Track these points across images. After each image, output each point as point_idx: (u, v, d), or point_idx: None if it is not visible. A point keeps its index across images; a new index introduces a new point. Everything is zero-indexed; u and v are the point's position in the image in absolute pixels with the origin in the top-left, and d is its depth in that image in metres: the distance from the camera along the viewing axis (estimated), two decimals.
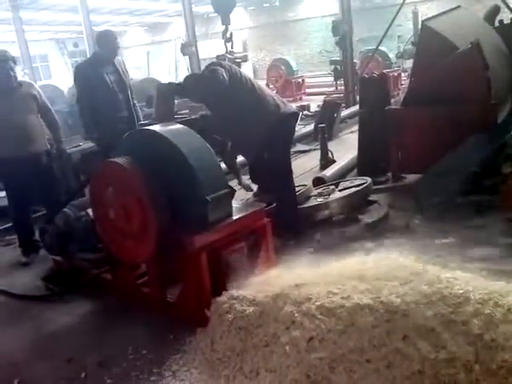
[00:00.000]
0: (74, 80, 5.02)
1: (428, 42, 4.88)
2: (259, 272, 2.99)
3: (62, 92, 11.75)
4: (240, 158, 4.94)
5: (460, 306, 2.08)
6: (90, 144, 5.46)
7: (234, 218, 3.07)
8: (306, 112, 11.02)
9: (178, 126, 3.17)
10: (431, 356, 1.93)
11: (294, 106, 4.44)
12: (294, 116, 4.28)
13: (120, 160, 2.95)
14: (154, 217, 2.83)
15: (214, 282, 2.90)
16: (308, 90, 16.37)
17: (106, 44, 4.77)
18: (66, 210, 4.08)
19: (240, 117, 3.93)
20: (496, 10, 6.67)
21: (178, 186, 2.90)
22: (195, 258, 2.84)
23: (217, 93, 3.80)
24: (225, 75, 3.66)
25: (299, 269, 2.89)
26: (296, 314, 2.36)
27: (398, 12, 9.39)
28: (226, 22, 6.09)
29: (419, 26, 6.30)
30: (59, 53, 27.17)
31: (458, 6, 5.85)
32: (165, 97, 3.68)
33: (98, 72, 4.70)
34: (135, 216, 2.93)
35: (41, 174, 4.40)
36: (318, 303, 2.34)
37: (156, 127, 3.09)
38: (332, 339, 2.16)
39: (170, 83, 3.78)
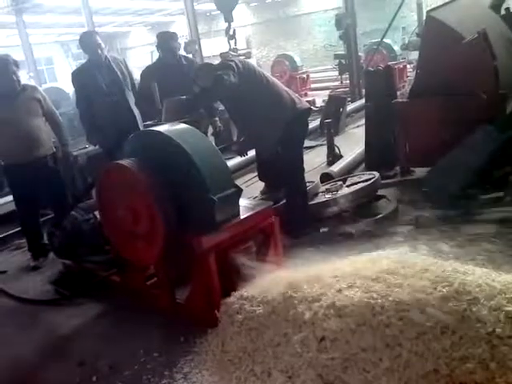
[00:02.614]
0: (73, 86, 4.99)
1: (433, 33, 4.81)
2: (268, 271, 2.96)
3: (67, 94, 11.78)
4: (243, 157, 4.90)
5: (474, 301, 2.03)
6: (95, 147, 5.45)
7: (242, 217, 3.04)
8: (310, 106, 10.94)
9: (183, 126, 3.14)
10: (446, 354, 1.89)
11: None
12: (308, 112, 4.28)
13: (125, 162, 2.94)
14: (161, 218, 2.81)
15: (223, 282, 2.89)
16: (313, 85, 16.30)
17: (86, 47, 4.71)
18: (73, 212, 4.09)
19: (256, 113, 3.93)
20: None
21: (185, 186, 2.87)
22: (203, 259, 2.82)
23: (228, 95, 3.80)
24: (232, 78, 3.62)
25: (309, 267, 2.86)
26: (306, 314, 2.33)
27: (401, 3, 9.29)
28: (228, 19, 6.06)
29: (423, 17, 6.22)
30: (64, 55, 27.26)
31: None
32: (174, 116, 3.58)
33: (92, 76, 4.64)
34: (142, 218, 2.92)
35: (47, 177, 4.41)
36: (328, 302, 2.30)
37: (161, 128, 3.06)
38: (344, 338, 2.12)
39: (179, 100, 3.72)
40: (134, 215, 2.96)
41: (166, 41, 4.94)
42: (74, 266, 4.08)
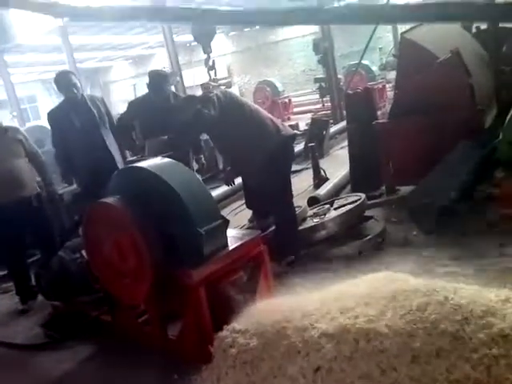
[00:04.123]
0: (49, 125, 4.96)
1: (408, 53, 4.92)
2: (260, 301, 2.93)
3: (50, 132, 11.77)
4: (231, 187, 4.91)
5: (466, 321, 2.03)
6: (74, 187, 5.38)
7: (230, 247, 3.02)
8: (295, 131, 11.04)
9: (166, 160, 3.14)
10: (443, 377, 1.87)
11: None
12: (293, 138, 4.33)
13: (110, 200, 2.92)
14: (148, 254, 2.78)
15: (214, 315, 2.85)
16: (295, 109, 16.49)
17: (61, 86, 4.67)
18: (60, 252, 4.04)
19: (241, 142, 3.95)
20: None
21: (171, 221, 2.86)
22: (193, 293, 2.79)
23: (211, 128, 3.83)
24: (212, 111, 3.66)
25: (300, 294, 2.84)
26: (300, 344, 2.30)
27: (376, 26, 9.49)
28: (207, 50, 6.12)
29: (399, 38, 6.36)
30: (46, 93, 27.32)
31: None
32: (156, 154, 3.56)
33: (67, 115, 4.61)
34: (129, 255, 2.89)
35: (32, 218, 4.36)
36: (321, 330, 2.29)
37: (144, 163, 3.06)
38: (339, 367, 2.10)
39: (161, 140, 3.73)
40: (120, 253, 2.93)
41: (158, 83, 4.85)
42: (63, 307, 4.00)
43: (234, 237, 3.17)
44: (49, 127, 5.01)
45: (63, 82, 4.63)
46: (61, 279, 3.90)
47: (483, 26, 6.53)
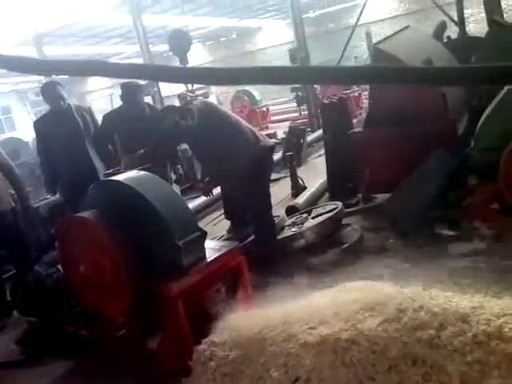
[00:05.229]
0: (35, 134, 5.02)
1: (381, 63, 5.00)
2: (239, 312, 2.93)
3: (26, 143, 11.59)
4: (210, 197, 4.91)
5: (441, 328, 2.07)
6: (57, 196, 5.37)
7: (209, 259, 3.02)
8: (273, 140, 11.10)
9: (143, 173, 3.13)
10: None
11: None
12: (272, 148, 4.37)
13: (86, 214, 2.90)
14: (125, 269, 2.76)
15: (194, 327, 2.84)
16: (273, 118, 16.57)
17: (48, 98, 4.71)
18: (36, 267, 3.97)
19: (221, 152, 3.97)
20: (443, 26, 6.94)
21: (148, 234, 2.85)
22: (172, 306, 2.78)
23: (189, 139, 3.84)
24: (190, 121, 3.69)
25: (279, 305, 2.85)
26: (279, 354, 2.31)
27: (351, 34, 9.65)
28: (183, 61, 6.16)
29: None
30: (21, 103, 26.94)
31: (408, 26, 6.05)
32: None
33: (52, 126, 4.66)
34: (106, 269, 2.86)
35: (7, 233, 4.29)
36: (300, 341, 2.30)
37: (120, 177, 3.05)
38: (318, 378, 2.11)
39: (137, 155, 3.73)
40: (97, 267, 2.90)
41: (131, 94, 4.80)
42: (39, 323, 3.93)
43: (212, 248, 3.17)
44: (24, 139, 5.02)
45: (49, 92, 4.69)
46: (37, 294, 3.83)
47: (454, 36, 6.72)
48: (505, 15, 6.67)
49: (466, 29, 6.99)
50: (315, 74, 1.20)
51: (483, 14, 6.23)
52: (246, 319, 2.77)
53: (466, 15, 7.23)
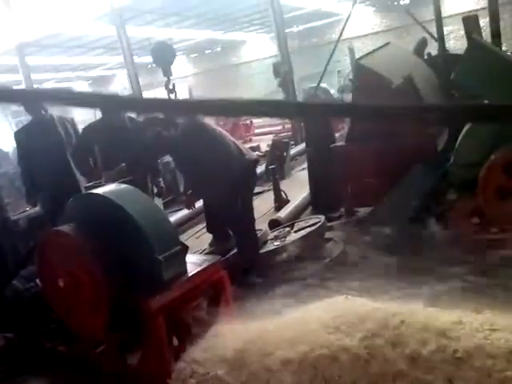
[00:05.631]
0: (16, 145, 4.97)
1: (363, 79, 5.07)
2: (220, 328, 2.90)
3: (6, 154, 11.46)
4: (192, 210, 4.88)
5: (422, 344, 2.07)
6: (37, 208, 5.29)
7: (190, 274, 2.99)
8: (256, 153, 11.13)
9: (123, 186, 3.10)
10: None
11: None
12: (256, 162, 4.39)
13: (64, 228, 2.86)
14: (104, 283, 2.72)
15: (174, 343, 2.80)
16: (257, 131, 16.64)
17: (29, 108, 4.67)
18: (14, 281, 3.89)
19: (204, 165, 3.95)
20: (424, 43, 7.04)
21: (128, 248, 2.81)
22: (152, 322, 2.73)
23: (171, 150, 3.83)
24: (173, 132, 3.69)
25: (261, 320, 2.83)
26: (260, 371, 2.29)
27: (334, 49, 9.74)
28: (167, 74, 6.11)
29: None
30: (2, 113, 26.60)
31: (389, 42, 6.14)
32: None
33: (33, 137, 4.61)
34: (85, 284, 2.82)
35: None
36: (281, 357, 2.28)
37: (100, 190, 3.02)
38: None
39: (118, 169, 3.71)
40: (76, 282, 2.85)
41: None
42: (15, 339, 3.84)
43: (193, 262, 3.14)
44: (4, 149, 4.98)
45: (32, 104, 4.58)
46: (13, 309, 3.75)
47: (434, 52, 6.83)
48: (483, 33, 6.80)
49: (446, 45, 7.11)
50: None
51: (462, 32, 6.35)
52: (227, 335, 2.74)
53: (446, 32, 7.37)
